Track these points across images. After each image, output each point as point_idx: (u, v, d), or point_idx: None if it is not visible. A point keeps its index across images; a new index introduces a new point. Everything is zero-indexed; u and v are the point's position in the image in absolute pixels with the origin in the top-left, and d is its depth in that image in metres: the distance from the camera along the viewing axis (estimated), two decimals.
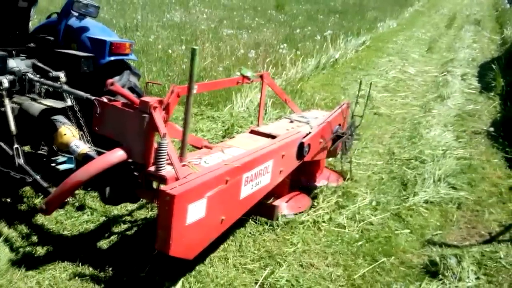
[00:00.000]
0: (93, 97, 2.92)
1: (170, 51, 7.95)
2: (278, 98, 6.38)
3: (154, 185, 2.83)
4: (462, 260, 3.10)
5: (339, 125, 4.06)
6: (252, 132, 3.70)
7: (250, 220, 3.49)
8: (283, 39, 10.32)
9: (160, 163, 2.63)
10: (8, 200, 3.52)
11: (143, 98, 2.74)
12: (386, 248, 3.33)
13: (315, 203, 3.83)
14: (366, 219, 3.68)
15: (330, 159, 4.48)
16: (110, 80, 2.70)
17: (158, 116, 2.67)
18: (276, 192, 3.58)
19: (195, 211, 2.53)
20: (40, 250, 3.00)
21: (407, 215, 3.78)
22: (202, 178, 2.61)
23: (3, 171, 3.07)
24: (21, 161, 3.07)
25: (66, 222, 3.32)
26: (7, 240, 3.04)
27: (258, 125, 3.96)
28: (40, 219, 3.33)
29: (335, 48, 9.93)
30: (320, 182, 4.18)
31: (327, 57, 9.21)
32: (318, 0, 17.44)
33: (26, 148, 3.64)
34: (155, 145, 2.68)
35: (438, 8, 20.70)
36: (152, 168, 2.69)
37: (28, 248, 3.00)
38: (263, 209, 3.50)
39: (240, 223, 3.43)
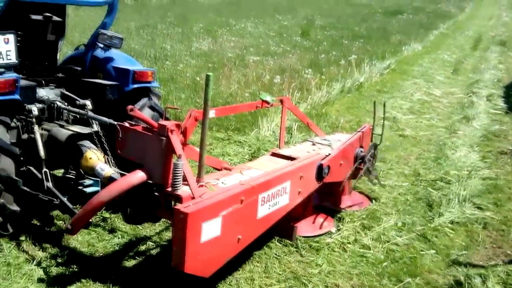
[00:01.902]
0: (115, 122, 3.13)
1: (198, 78, 8.20)
2: (303, 122, 6.54)
3: (173, 204, 2.92)
4: (487, 280, 3.11)
5: (361, 147, 4.12)
6: (273, 154, 3.79)
7: (275, 241, 3.58)
8: (308, 64, 10.50)
9: (176, 183, 2.75)
10: (39, 223, 3.67)
11: (161, 122, 2.92)
12: (411, 268, 3.36)
13: (340, 225, 3.90)
14: (391, 240, 3.72)
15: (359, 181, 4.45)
16: (130, 106, 2.92)
17: (175, 138, 2.81)
18: (298, 213, 3.65)
19: (210, 230, 2.61)
20: (73, 272, 3.13)
21: (433, 236, 3.81)
22: (217, 198, 2.71)
23: (32, 194, 3.22)
24: (49, 184, 3.23)
25: (97, 244, 3.47)
26: (40, 263, 3.19)
27: (279, 147, 4.06)
28: (72, 242, 3.48)
29: (359, 72, 10.03)
30: (346, 204, 4.23)
31: (352, 81, 9.31)
32: (343, 26, 17.67)
33: (58, 172, 3.84)
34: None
35: (463, 30, 20.61)
36: (169, 188, 2.80)
37: (61, 270, 3.13)
38: (282, 229, 3.54)
39: (265, 244, 3.53)
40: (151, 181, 2.92)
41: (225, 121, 6.32)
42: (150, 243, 3.54)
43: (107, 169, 3.22)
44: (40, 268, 3.14)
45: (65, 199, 3.22)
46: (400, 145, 6.15)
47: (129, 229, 3.66)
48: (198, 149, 2.93)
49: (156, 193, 2.93)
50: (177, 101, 6.83)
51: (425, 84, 10.09)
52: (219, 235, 2.67)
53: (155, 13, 18.86)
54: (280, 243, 3.57)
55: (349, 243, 3.66)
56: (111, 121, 3.25)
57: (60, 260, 3.25)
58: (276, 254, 3.45)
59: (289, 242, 3.58)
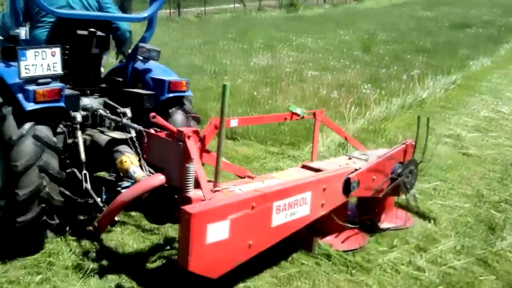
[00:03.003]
0: (142, 129, 3.40)
1: (255, 93, 8.27)
2: (359, 138, 6.39)
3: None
4: None
5: (401, 163, 3.94)
6: (303, 167, 3.77)
7: (324, 258, 3.50)
8: (368, 79, 10.30)
9: (187, 185, 2.91)
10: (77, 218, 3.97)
11: (180, 128, 3.14)
12: None
13: (395, 244, 3.75)
14: (448, 263, 3.53)
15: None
16: (152, 114, 3.20)
17: (192, 144, 3.02)
18: (328, 226, 3.65)
19: (216, 232, 2.69)
20: (129, 279, 3.22)
21: (494, 261, 3.57)
22: (225, 201, 2.83)
23: (73, 194, 3.52)
24: (88, 185, 3.50)
25: (154, 255, 3.57)
26: (96, 269, 3.31)
27: (312, 160, 4.06)
28: (128, 249, 3.60)
29: (422, 88, 9.71)
30: (385, 222, 4.06)
31: (414, 97, 9.03)
32: (406, 40, 17.23)
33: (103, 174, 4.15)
34: None
35: None
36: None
37: (116, 279, 3.23)
38: (302, 239, 3.56)
39: (313, 261, 3.46)
40: (170, 184, 3.13)
41: (280, 135, 6.32)
42: None
43: (138, 172, 3.49)
44: (96, 273, 3.24)
45: (99, 199, 3.47)
46: (463, 164, 5.86)
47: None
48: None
49: (176, 196, 3.10)
50: (233, 115, 6.90)
51: (493, 100, 9.60)
52: (227, 238, 2.75)
53: (218, 29, 19.31)
54: (329, 261, 3.49)
55: (402, 264, 3.51)
56: (140, 127, 3.48)
57: (116, 267, 3.34)
58: (325, 272, 3.37)
59: (339, 260, 3.48)
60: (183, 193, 2.94)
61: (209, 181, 3.06)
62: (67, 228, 3.70)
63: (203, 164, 3.19)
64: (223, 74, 10.06)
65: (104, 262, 3.40)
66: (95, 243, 3.64)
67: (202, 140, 3.23)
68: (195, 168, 2.91)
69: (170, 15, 29.60)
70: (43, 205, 3.24)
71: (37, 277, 3.17)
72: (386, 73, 11.06)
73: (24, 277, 3.18)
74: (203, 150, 3.25)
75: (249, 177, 3.53)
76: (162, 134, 3.30)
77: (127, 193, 3.21)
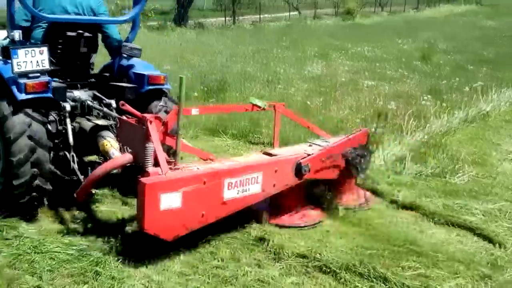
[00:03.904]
0: (117, 116, 4.08)
1: (308, 102, 8.08)
2: (417, 151, 6.08)
3: None
4: None
5: (354, 148, 4.38)
6: (264, 153, 4.31)
7: (380, 282, 3.28)
8: (427, 90, 9.85)
9: (147, 162, 3.52)
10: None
11: (144, 115, 3.71)
12: None
13: (458, 269, 3.47)
14: None
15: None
16: (121, 102, 3.89)
17: (153, 127, 3.59)
18: (287, 203, 4.16)
19: (169, 201, 3.24)
20: None
21: None
22: (178, 175, 3.43)
23: (61, 174, 4.14)
24: (75, 165, 4.10)
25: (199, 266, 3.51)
26: (141, 279, 3.30)
27: (273, 147, 4.68)
28: (176, 265, 3.55)
29: (485, 100, 9.18)
30: (347, 202, 4.53)
31: (477, 110, 8.54)
32: (468, 50, 16.49)
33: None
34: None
35: None
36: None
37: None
38: (252, 213, 4.01)
39: None
40: (137, 163, 3.69)
41: None
42: None
43: (116, 154, 4.00)
44: (141, 284, 3.22)
45: (82, 177, 4.02)
46: None
47: None
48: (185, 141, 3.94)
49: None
50: (285, 125, 6.75)
51: None
52: (180, 207, 3.30)
53: (272, 37, 19.27)
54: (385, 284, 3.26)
55: None
56: (116, 115, 4.17)
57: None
58: None
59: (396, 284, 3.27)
60: (143, 169, 3.51)
61: (170, 160, 3.69)
62: (113, 241, 3.75)
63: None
64: (276, 82, 9.93)
65: (149, 272, 3.35)
66: (140, 253, 3.58)
67: (165, 125, 3.89)
68: (153, 147, 3.52)
69: (225, 23, 29.95)
70: (35, 170, 3.83)
71: (83, 286, 3.16)
72: (447, 85, 10.54)
73: (70, 285, 3.18)
74: (166, 134, 3.93)
75: (210, 159, 4.23)
76: (132, 120, 3.87)
77: (99, 169, 3.75)
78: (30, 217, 4.07)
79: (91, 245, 3.67)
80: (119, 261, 3.45)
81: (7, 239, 3.71)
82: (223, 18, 31.41)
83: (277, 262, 3.60)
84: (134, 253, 3.55)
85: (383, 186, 4.95)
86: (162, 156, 3.53)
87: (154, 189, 3.20)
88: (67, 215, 4.27)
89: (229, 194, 3.58)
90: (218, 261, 3.58)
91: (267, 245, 3.76)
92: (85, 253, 3.51)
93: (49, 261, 3.41)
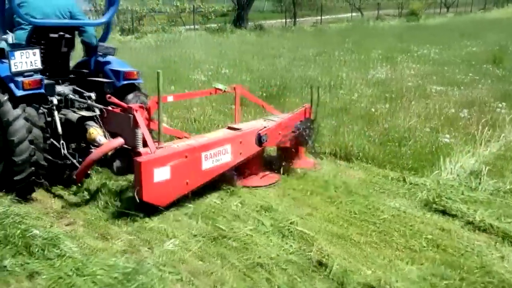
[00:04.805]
0: (104, 107, 4.72)
1: (373, 109, 7.71)
2: (495, 165, 5.60)
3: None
4: None
5: (301, 122, 5.27)
6: (228, 127, 5.06)
7: None
8: (501, 96, 9.19)
9: (137, 144, 4.30)
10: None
11: (130, 105, 4.48)
12: None
13: None
14: None
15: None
16: (108, 95, 4.63)
17: (138, 115, 4.31)
18: (249, 169, 5.02)
19: (161, 174, 4.04)
20: None
21: None
22: (165, 153, 4.18)
23: (54, 159, 4.73)
24: (65, 151, 4.71)
25: None
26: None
27: (235, 123, 5.34)
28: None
29: None
30: (298, 165, 5.41)
31: None
32: None
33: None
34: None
35: None
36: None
37: None
38: (225, 178, 4.83)
39: None
40: (127, 145, 4.39)
41: (401, 159, 5.72)
42: None
43: (103, 140, 4.63)
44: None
45: (75, 161, 4.71)
46: None
47: None
48: (166, 126, 5.12)
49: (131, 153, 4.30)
50: (349, 134, 6.45)
51: None
52: (169, 178, 4.11)
53: (333, 39, 18.87)
54: None
55: None
56: (102, 106, 4.77)
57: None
58: None
59: None
60: (135, 150, 4.28)
61: (155, 141, 4.39)
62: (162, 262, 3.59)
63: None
64: (338, 87, 9.59)
65: None
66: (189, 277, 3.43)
67: (148, 112, 4.61)
68: (142, 132, 4.26)
69: (286, 25, 29.75)
70: (32, 147, 4.45)
71: None
72: None
73: None
74: (149, 119, 4.63)
75: (185, 137, 5.01)
76: (117, 110, 4.61)
77: (96, 152, 4.43)
78: (72, 231, 4.07)
79: (138, 268, 3.38)
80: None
81: (49, 259, 3.53)
82: (283, 20, 31.25)
83: None
84: (185, 278, 3.40)
85: (457, 204, 4.54)
86: (149, 138, 4.29)
87: (148, 166, 3.97)
88: (111, 229, 4.17)
89: (206, 164, 4.42)
90: None
91: (329, 272, 3.48)
92: (130, 277, 3.25)
93: (91, 285, 3.17)
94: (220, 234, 4.00)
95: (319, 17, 32.79)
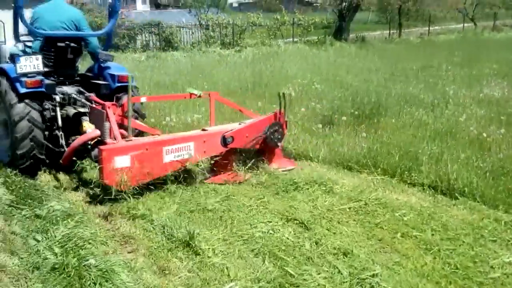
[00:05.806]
0: (89, 104, 5.70)
1: (484, 134, 6.62)
2: None
3: None
4: None
5: (270, 125, 5.66)
6: (202, 129, 5.52)
7: None
8: None
9: (105, 135, 5.15)
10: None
11: (104, 102, 5.37)
12: None
13: None
14: None
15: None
16: (90, 94, 5.95)
17: (110, 111, 5.14)
18: (220, 167, 5.46)
19: (121, 161, 4.64)
20: None
21: None
22: (127, 144, 4.85)
23: (53, 147, 5.57)
24: (63, 141, 5.49)
25: None
26: None
27: (210, 125, 5.88)
28: None
29: None
30: (274, 166, 5.76)
31: None
32: None
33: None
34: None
35: None
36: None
37: None
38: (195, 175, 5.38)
39: None
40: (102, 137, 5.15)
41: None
42: None
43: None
44: None
45: (67, 149, 5.35)
46: None
47: None
48: (138, 122, 5.86)
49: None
50: (454, 162, 5.54)
51: None
52: (129, 166, 4.70)
53: (441, 52, 17.47)
54: None
55: None
56: (88, 104, 5.70)
57: None
58: None
59: None
60: (103, 140, 5.06)
61: (125, 135, 5.15)
62: None
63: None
64: (443, 106, 8.53)
65: None
66: None
67: (122, 108, 5.42)
68: (110, 125, 5.06)
69: (390, 36, 28.47)
70: (30, 125, 5.32)
71: None
72: None
73: None
74: (122, 116, 5.41)
75: (157, 134, 5.66)
76: (99, 107, 5.43)
77: (77, 141, 5.21)
78: (132, 261, 3.79)
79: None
80: None
81: None
82: (388, 31, 29.97)
83: None
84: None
85: None
86: (116, 131, 4.98)
87: (110, 153, 4.60)
88: (171, 262, 3.84)
89: (167, 158, 4.98)
90: None
91: None
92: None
93: None
94: (288, 281, 3.47)
95: (427, 28, 30.99)
